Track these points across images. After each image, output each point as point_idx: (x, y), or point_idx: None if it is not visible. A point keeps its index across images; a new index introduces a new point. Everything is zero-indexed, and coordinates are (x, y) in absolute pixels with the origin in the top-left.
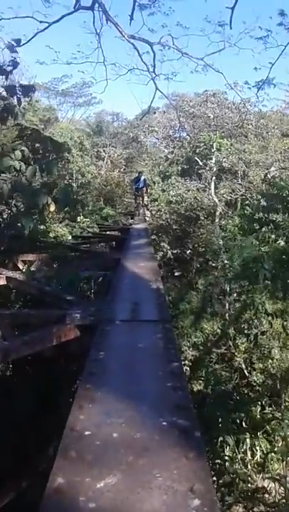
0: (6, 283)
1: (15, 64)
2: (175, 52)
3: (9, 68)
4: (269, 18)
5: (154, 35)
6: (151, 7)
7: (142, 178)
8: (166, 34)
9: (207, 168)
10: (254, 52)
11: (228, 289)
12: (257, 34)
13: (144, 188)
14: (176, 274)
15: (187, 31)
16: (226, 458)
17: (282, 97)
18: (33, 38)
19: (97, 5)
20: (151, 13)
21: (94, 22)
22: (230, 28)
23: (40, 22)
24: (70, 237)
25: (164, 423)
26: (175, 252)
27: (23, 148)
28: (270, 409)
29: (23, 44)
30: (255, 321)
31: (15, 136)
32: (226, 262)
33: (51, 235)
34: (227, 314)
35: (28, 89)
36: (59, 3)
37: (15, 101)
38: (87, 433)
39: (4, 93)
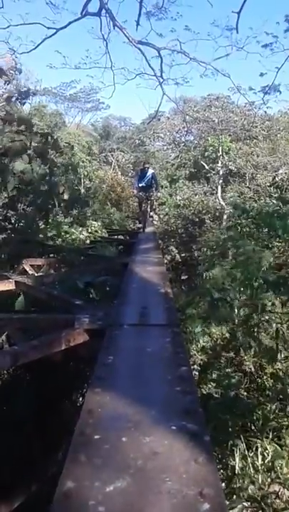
0: (14, 287)
1: (19, 70)
2: (183, 57)
3: (11, 73)
4: (276, 23)
5: (162, 40)
6: (158, 14)
7: (150, 172)
8: (174, 39)
9: (214, 172)
10: (261, 57)
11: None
12: (264, 39)
13: (153, 188)
14: (183, 277)
15: (195, 36)
16: (236, 462)
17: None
18: (40, 44)
19: (104, 11)
20: (159, 18)
21: (101, 28)
22: (237, 33)
23: (48, 28)
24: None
25: (173, 427)
26: (183, 255)
27: (29, 151)
28: (281, 413)
29: (31, 50)
30: (265, 323)
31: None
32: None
33: (73, 236)
34: (236, 318)
35: (25, 94)
36: (67, 10)
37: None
38: (96, 437)
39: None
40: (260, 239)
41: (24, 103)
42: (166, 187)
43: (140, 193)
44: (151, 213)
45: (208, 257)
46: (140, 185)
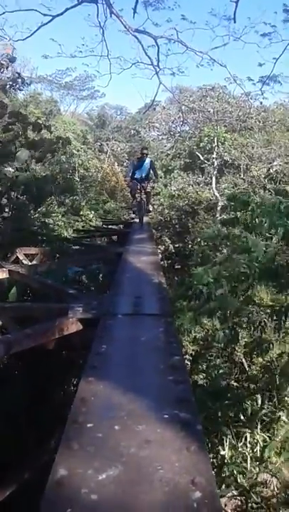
0: (8, 276)
1: (13, 59)
2: (180, 46)
3: (5, 62)
4: (274, 13)
5: (159, 30)
6: (156, 3)
7: (147, 161)
8: (171, 28)
9: (209, 163)
10: (259, 48)
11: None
12: (262, 29)
13: (150, 179)
14: (176, 267)
15: (192, 25)
16: (226, 451)
17: (285, 90)
18: (36, 31)
19: None
20: (156, 8)
21: (98, 15)
22: (234, 22)
23: (44, 15)
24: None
25: (166, 416)
26: (177, 246)
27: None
28: (270, 403)
29: (27, 37)
30: (255, 314)
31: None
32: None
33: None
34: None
35: (20, 82)
36: None
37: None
38: (89, 425)
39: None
40: (260, 234)
41: (21, 90)
42: (161, 177)
43: (135, 185)
44: (148, 207)
45: (200, 250)
46: (136, 176)
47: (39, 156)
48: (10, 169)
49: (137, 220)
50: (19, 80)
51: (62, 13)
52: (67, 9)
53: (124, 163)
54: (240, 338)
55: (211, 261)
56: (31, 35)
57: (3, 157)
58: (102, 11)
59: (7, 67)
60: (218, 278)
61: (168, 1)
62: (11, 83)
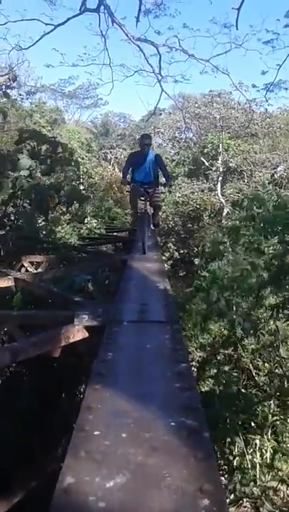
0: (13, 284)
1: (14, 78)
2: (182, 54)
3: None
4: (276, 20)
5: (161, 38)
6: (157, 11)
7: (151, 155)
8: (173, 36)
9: (214, 169)
10: (261, 54)
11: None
12: (264, 36)
13: (158, 183)
14: (180, 274)
15: (193, 33)
16: (235, 458)
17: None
18: (39, 40)
19: (102, 7)
20: (157, 15)
21: (100, 24)
22: (237, 29)
23: (46, 24)
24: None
25: (173, 423)
26: (181, 252)
27: (29, 148)
28: (278, 409)
29: (30, 46)
30: (263, 321)
31: (16, 140)
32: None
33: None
34: (234, 315)
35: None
36: (65, 6)
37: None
38: (96, 433)
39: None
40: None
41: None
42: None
43: (134, 187)
44: (155, 220)
45: (214, 242)
46: (137, 179)
47: (46, 170)
48: (12, 174)
49: (139, 243)
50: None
51: (64, 23)
52: (69, 19)
53: None
54: (246, 344)
55: (223, 256)
56: (34, 44)
57: (8, 165)
58: (103, 20)
59: (12, 88)
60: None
61: (169, 9)
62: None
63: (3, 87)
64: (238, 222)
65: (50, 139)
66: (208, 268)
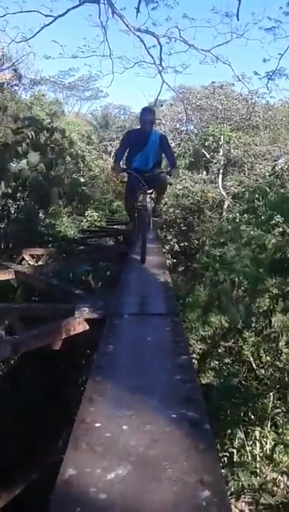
0: (14, 277)
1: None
2: (182, 45)
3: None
4: (279, 8)
5: (161, 28)
6: (157, 1)
7: (156, 136)
8: (173, 26)
9: (215, 161)
10: (263, 44)
11: (236, 281)
12: (265, 25)
13: (165, 171)
14: (182, 267)
15: (194, 23)
16: (235, 450)
17: None
18: (38, 32)
19: None
20: (155, 6)
21: (100, 15)
22: (238, 20)
23: (46, 16)
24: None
25: (174, 415)
26: (182, 245)
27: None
28: (279, 402)
29: (29, 38)
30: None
31: (13, 130)
32: (232, 251)
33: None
34: (235, 307)
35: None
36: None
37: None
38: (97, 425)
39: None
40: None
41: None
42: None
43: (131, 180)
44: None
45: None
46: (135, 166)
47: (48, 162)
48: (13, 164)
49: (137, 248)
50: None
51: (64, 14)
52: (68, 10)
53: None
54: (247, 337)
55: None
56: (33, 36)
57: (9, 157)
58: (104, 11)
59: (17, 85)
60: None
61: None
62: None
63: (7, 84)
64: (238, 214)
65: (47, 126)
66: (215, 254)
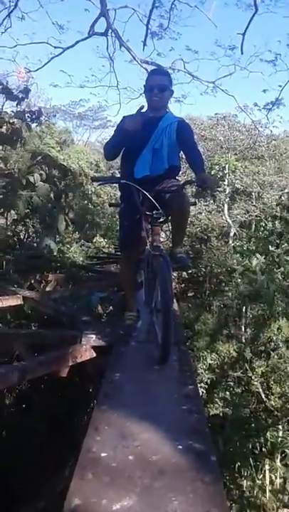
0: (22, 303)
1: (27, 91)
2: (186, 76)
3: (21, 95)
4: (277, 41)
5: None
6: (162, 34)
7: (170, 118)
8: (178, 59)
9: (221, 190)
10: (264, 75)
11: (243, 310)
12: (266, 57)
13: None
14: (189, 294)
15: (197, 55)
16: (244, 483)
17: None
18: (47, 63)
19: (110, 31)
20: (159, 38)
21: (107, 47)
22: (242, 53)
23: (55, 47)
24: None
25: (180, 446)
26: (190, 272)
27: (41, 171)
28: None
29: (38, 69)
30: (272, 343)
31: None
32: (239, 281)
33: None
34: (243, 337)
35: (38, 114)
36: (73, 29)
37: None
38: (103, 455)
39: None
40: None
41: (40, 122)
42: None
43: (124, 208)
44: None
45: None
46: (138, 176)
47: (59, 193)
48: (23, 192)
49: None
50: (40, 112)
51: (72, 46)
52: (77, 42)
53: None
54: (256, 366)
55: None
56: (42, 66)
57: (21, 186)
58: (111, 43)
59: (23, 99)
60: None
61: (173, 32)
62: (29, 115)
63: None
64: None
65: (60, 164)
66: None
